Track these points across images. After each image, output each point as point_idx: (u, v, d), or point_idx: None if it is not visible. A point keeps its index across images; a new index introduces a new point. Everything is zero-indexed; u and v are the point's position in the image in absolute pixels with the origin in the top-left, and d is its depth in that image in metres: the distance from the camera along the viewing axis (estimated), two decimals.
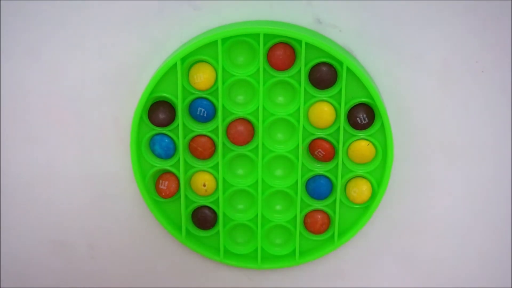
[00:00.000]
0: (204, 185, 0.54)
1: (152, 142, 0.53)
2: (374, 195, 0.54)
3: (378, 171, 0.53)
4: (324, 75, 0.51)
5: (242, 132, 0.53)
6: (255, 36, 0.50)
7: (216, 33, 0.50)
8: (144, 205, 0.55)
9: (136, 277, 0.58)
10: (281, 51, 0.51)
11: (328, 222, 0.55)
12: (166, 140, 0.53)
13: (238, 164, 0.54)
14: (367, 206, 0.54)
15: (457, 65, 0.53)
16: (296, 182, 0.54)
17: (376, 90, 0.51)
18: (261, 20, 0.52)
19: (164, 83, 0.52)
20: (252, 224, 0.55)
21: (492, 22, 0.52)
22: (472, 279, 0.57)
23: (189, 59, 0.51)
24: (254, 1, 0.52)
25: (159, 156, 0.53)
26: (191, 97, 0.52)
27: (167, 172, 0.54)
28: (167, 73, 0.51)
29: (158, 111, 0.52)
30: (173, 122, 0.53)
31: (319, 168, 0.53)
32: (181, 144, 0.53)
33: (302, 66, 0.51)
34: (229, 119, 0.52)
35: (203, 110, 0.52)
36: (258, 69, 0.51)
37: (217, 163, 0.53)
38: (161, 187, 0.54)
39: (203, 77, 0.51)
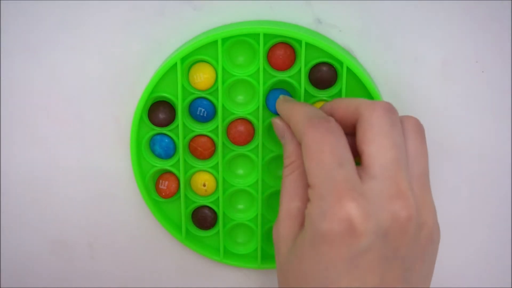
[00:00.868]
0: (204, 185, 0.54)
1: (152, 142, 0.53)
2: None
3: None
4: (324, 75, 0.51)
5: (242, 132, 0.53)
6: (255, 36, 0.50)
7: (216, 33, 0.50)
8: (144, 205, 0.55)
9: (136, 277, 0.58)
10: (281, 51, 0.51)
11: None
12: (166, 140, 0.53)
13: (238, 164, 0.54)
14: None
15: (457, 65, 0.53)
16: None
17: (376, 90, 0.51)
18: (261, 20, 0.52)
19: (164, 83, 0.52)
20: (252, 224, 0.55)
21: (492, 22, 0.52)
22: (472, 279, 0.57)
23: (189, 59, 0.51)
24: (254, 1, 0.52)
25: (159, 156, 0.53)
26: (191, 97, 0.52)
27: (167, 172, 0.54)
28: (167, 73, 0.51)
29: (158, 111, 0.52)
30: (173, 122, 0.53)
31: None
32: (181, 144, 0.53)
33: (302, 66, 0.51)
34: (229, 119, 0.52)
35: (203, 110, 0.52)
36: (258, 69, 0.51)
37: (217, 163, 0.53)
38: (161, 187, 0.54)
39: (203, 77, 0.51)
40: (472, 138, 0.54)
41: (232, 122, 0.52)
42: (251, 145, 0.53)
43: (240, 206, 0.55)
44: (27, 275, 0.59)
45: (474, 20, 0.52)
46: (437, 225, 0.45)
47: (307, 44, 0.50)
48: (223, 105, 0.52)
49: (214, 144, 0.53)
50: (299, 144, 0.46)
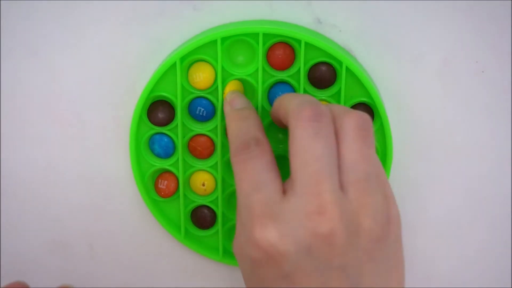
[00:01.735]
0: (203, 185, 0.54)
1: (151, 142, 0.53)
2: None
3: None
4: (323, 75, 0.51)
5: None
6: (255, 35, 0.50)
7: (216, 33, 0.50)
8: (143, 204, 0.55)
9: (135, 277, 0.58)
10: (281, 51, 0.51)
11: None
12: (165, 140, 0.53)
13: None
14: None
15: (457, 65, 0.52)
16: None
17: (376, 90, 0.51)
18: (260, 20, 0.52)
19: (164, 83, 0.52)
20: None
21: (492, 22, 0.51)
22: (472, 279, 0.57)
23: (189, 59, 0.51)
24: (255, 1, 0.52)
25: (158, 155, 0.53)
26: (190, 97, 0.52)
27: (166, 171, 0.54)
28: (167, 73, 0.51)
29: (157, 110, 0.52)
30: (172, 122, 0.53)
31: None
32: (180, 143, 0.53)
33: (302, 65, 0.51)
34: None
35: (202, 109, 0.52)
36: (257, 69, 0.51)
37: (216, 163, 0.53)
38: (160, 187, 0.54)
39: (202, 76, 0.51)
40: (472, 138, 0.54)
41: None
42: None
43: None
44: (27, 275, 0.59)
45: (474, 20, 0.51)
46: (381, 222, 0.43)
47: (306, 43, 0.50)
48: (222, 105, 0.52)
49: (213, 143, 0.53)
50: None
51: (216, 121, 0.52)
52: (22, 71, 0.54)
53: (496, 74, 0.53)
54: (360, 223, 0.43)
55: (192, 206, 0.55)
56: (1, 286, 0.50)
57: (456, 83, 0.53)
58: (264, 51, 0.51)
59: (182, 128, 0.52)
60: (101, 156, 0.55)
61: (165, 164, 0.54)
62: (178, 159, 0.53)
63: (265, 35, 0.50)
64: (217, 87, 0.51)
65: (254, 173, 0.44)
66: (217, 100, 0.52)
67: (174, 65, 0.51)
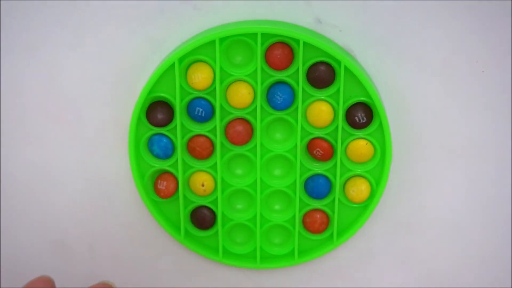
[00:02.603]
0: (203, 185, 0.54)
1: (150, 142, 0.53)
2: (373, 194, 0.54)
3: (377, 170, 0.53)
4: (322, 74, 0.51)
5: (241, 131, 0.52)
6: (253, 35, 0.50)
7: (214, 33, 0.50)
8: (143, 205, 0.55)
9: (135, 277, 0.58)
10: (279, 51, 0.51)
11: (327, 221, 0.55)
12: (165, 140, 0.53)
13: (237, 164, 0.54)
14: (366, 205, 0.54)
15: (457, 65, 0.52)
16: (295, 181, 0.54)
17: (374, 89, 0.51)
18: (258, 20, 0.52)
19: (162, 83, 0.52)
20: (251, 224, 0.55)
21: (492, 22, 0.51)
22: (472, 279, 0.57)
23: (187, 59, 0.51)
24: (255, 1, 0.52)
25: (157, 156, 0.53)
26: (189, 97, 0.52)
27: (166, 172, 0.54)
28: (165, 73, 0.51)
29: (156, 111, 0.52)
30: (171, 122, 0.53)
31: (318, 168, 0.53)
32: (179, 144, 0.53)
33: (300, 65, 0.51)
34: (227, 118, 0.52)
35: (201, 110, 0.52)
36: (256, 69, 0.51)
37: (216, 163, 0.53)
38: (159, 187, 0.54)
39: (201, 77, 0.51)
40: (472, 138, 0.54)
41: (230, 122, 0.52)
42: (250, 145, 0.53)
43: (239, 206, 0.55)
44: (27, 275, 0.59)
45: (474, 20, 0.51)
46: None
47: (305, 43, 0.50)
48: (221, 105, 0.52)
49: (212, 144, 0.53)
50: None
51: (215, 122, 0.52)
52: (20, 70, 0.54)
53: (496, 74, 0.53)
54: None
55: (191, 206, 0.55)
56: (87, 287, 0.50)
57: (456, 83, 0.53)
58: (262, 51, 0.51)
59: (181, 128, 0.52)
60: (100, 157, 0.55)
61: (165, 164, 0.54)
62: (177, 159, 0.53)
63: (263, 35, 0.50)
64: (215, 87, 0.51)
65: None
66: (216, 100, 0.52)
67: (172, 65, 0.51)
